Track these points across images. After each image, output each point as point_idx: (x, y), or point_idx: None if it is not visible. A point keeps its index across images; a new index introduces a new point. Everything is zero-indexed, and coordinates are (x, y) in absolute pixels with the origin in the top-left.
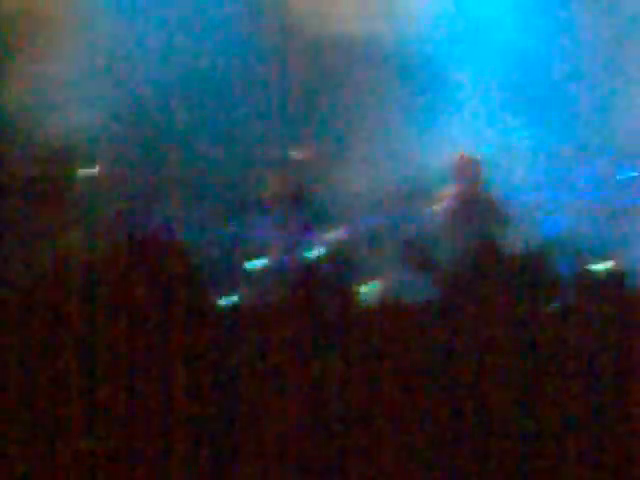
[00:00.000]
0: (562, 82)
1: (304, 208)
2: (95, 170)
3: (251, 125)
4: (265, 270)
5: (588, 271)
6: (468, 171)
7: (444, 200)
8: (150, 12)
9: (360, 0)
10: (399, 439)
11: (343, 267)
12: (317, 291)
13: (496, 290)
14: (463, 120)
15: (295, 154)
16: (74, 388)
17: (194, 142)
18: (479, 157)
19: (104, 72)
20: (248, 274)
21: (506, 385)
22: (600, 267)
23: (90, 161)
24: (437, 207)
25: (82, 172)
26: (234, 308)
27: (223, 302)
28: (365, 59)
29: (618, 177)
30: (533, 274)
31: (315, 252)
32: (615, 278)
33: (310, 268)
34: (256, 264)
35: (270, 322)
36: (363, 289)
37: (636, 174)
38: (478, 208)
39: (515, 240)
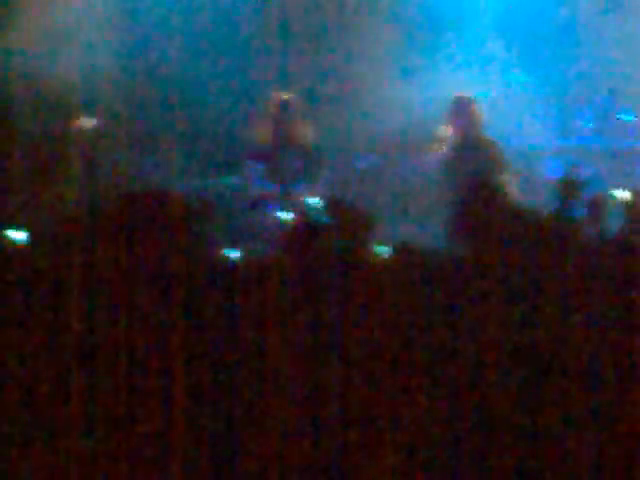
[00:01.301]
0: (563, 27)
1: (299, 155)
2: (94, 121)
3: (246, 73)
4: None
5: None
6: (466, 111)
7: (443, 141)
8: None
9: None
10: (399, 439)
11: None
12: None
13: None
14: (462, 63)
15: (291, 99)
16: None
17: (190, 93)
18: (476, 98)
19: (101, 23)
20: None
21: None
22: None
23: (89, 111)
24: (436, 149)
25: (82, 122)
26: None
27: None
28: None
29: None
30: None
31: (313, 202)
32: None
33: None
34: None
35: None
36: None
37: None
38: (476, 150)
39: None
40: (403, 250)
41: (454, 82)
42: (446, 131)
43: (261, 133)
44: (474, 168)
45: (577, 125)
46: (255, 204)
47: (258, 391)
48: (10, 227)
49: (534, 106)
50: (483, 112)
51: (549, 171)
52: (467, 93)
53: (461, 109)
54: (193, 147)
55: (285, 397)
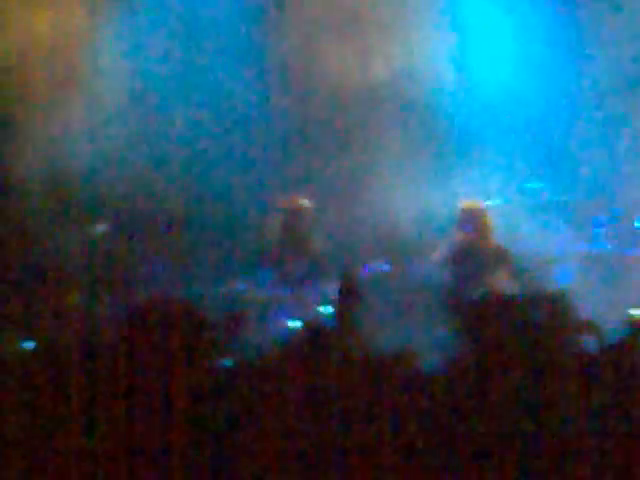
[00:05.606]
0: (573, 135)
1: None
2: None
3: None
4: None
5: None
6: (473, 219)
7: (444, 246)
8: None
9: (361, 48)
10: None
11: None
12: None
13: None
14: (478, 169)
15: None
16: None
17: (196, 195)
18: (485, 206)
19: None
20: None
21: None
22: None
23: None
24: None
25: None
26: None
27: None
28: (370, 107)
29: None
30: None
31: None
32: None
33: None
34: None
35: None
36: None
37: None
38: (480, 256)
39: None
40: None
41: (468, 190)
42: (456, 237)
43: (271, 239)
44: (480, 275)
45: (590, 232)
46: (265, 310)
47: None
48: None
49: (547, 213)
50: (492, 219)
51: (560, 277)
52: (476, 201)
53: (470, 217)
54: (204, 253)
55: None
